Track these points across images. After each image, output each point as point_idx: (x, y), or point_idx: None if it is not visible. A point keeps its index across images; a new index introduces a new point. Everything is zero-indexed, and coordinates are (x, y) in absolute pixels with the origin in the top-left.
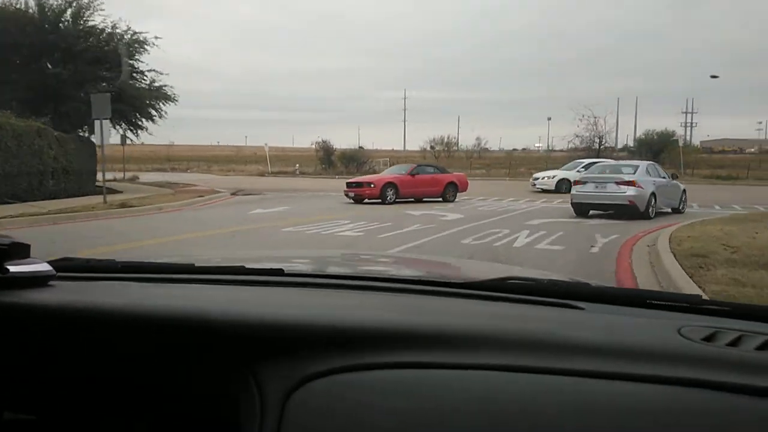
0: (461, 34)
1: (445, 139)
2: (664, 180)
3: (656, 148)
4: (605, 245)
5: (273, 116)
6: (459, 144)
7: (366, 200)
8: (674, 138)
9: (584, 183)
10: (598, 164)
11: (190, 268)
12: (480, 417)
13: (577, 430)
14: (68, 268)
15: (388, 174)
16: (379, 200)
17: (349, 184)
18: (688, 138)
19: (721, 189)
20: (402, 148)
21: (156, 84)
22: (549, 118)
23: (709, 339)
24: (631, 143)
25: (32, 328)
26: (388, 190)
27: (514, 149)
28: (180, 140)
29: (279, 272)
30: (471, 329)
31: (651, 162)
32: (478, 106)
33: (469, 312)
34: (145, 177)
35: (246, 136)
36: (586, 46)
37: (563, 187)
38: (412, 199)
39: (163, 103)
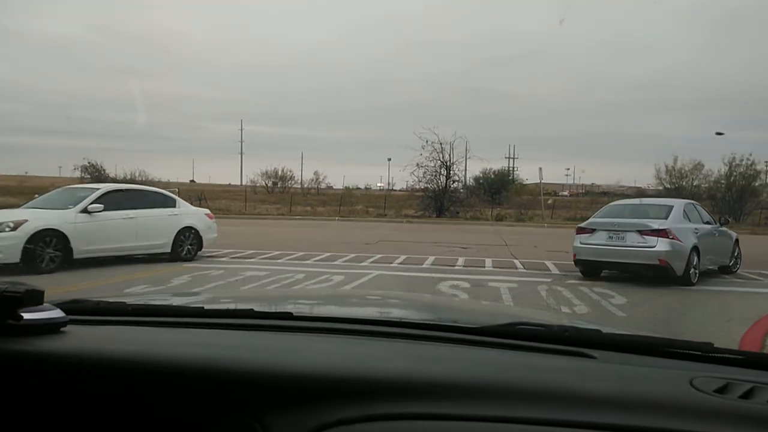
0: (301, 70)
1: (280, 173)
2: (708, 227)
3: (495, 187)
4: None
5: (89, 144)
6: (296, 179)
7: None
8: (510, 177)
9: (592, 231)
10: (614, 204)
11: (199, 312)
12: None
13: None
14: (78, 311)
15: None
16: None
17: None
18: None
19: None
20: (240, 183)
21: None
22: (389, 159)
23: (721, 391)
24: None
25: (44, 376)
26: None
27: (359, 187)
28: None
29: (288, 316)
30: (481, 380)
31: (689, 201)
32: (323, 144)
33: (479, 361)
34: None
35: (60, 166)
36: (419, 96)
37: (38, 248)
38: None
39: None
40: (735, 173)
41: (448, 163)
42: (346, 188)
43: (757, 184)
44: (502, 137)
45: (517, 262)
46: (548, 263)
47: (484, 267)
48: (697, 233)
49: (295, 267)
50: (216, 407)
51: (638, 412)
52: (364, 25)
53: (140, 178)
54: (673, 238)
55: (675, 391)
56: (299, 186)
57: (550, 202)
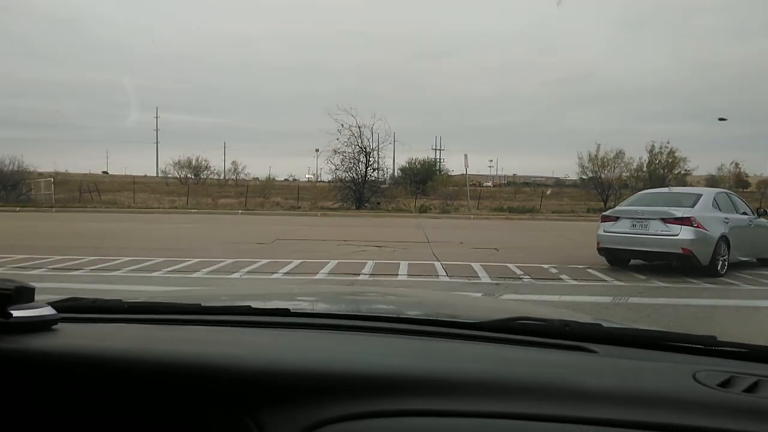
0: (228, 58)
1: (194, 162)
2: (744, 217)
3: (420, 177)
4: None
5: None
6: (213, 169)
7: None
8: (436, 168)
9: (616, 219)
10: (643, 193)
11: (196, 309)
12: None
13: None
14: (74, 308)
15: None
16: None
17: None
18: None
19: (576, 229)
20: (156, 174)
21: None
22: (317, 150)
23: (725, 384)
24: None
25: (35, 373)
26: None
27: (287, 179)
28: None
29: (285, 312)
30: (480, 375)
31: (722, 190)
32: (251, 134)
33: (479, 356)
34: None
35: None
36: (349, 86)
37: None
38: None
39: None
40: (656, 161)
41: (367, 149)
42: (267, 179)
43: (676, 172)
44: (430, 129)
45: (439, 265)
46: (476, 266)
47: (397, 275)
48: (727, 223)
49: (123, 286)
50: (210, 405)
51: (640, 406)
52: (293, 13)
53: (11, 167)
54: (698, 227)
55: (678, 385)
56: (217, 177)
57: (476, 187)
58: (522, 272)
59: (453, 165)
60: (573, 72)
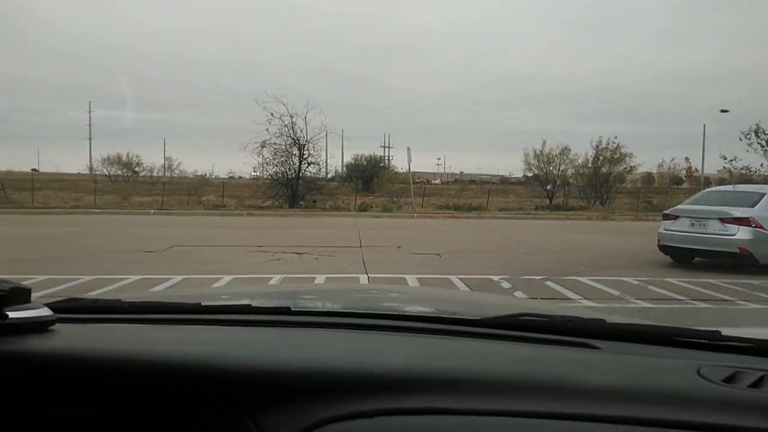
0: (168, 54)
1: (124, 158)
2: None
3: (367, 174)
4: None
5: None
6: (146, 165)
7: None
8: (382, 164)
9: (676, 218)
10: (707, 191)
11: (196, 308)
12: None
13: None
14: (72, 309)
15: None
16: None
17: None
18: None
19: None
20: (89, 172)
21: None
22: (262, 145)
23: (729, 380)
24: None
25: (31, 375)
26: None
27: (232, 176)
28: None
29: (286, 311)
30: (482, 373)
31: None
32: (193, 131)
33: (481, 353)
34: None
35: None
36: (294, 85)
37: None
38: None
39: None
40: (601, 157)
41: (301, 141)
42: (203, 176)
43: (622, 168)
44: (380, 128)
45: (364, 280)
46: (411, 280)
47: None
48: None
49: None
50: (208, 405)
51: (645, 403)
52: (236, 10)
53: None
54: (756, 227)
55: (682, 381)
56: (150, 174)
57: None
58: (468, 288)
59: (402, 163)
60: (518, 72)
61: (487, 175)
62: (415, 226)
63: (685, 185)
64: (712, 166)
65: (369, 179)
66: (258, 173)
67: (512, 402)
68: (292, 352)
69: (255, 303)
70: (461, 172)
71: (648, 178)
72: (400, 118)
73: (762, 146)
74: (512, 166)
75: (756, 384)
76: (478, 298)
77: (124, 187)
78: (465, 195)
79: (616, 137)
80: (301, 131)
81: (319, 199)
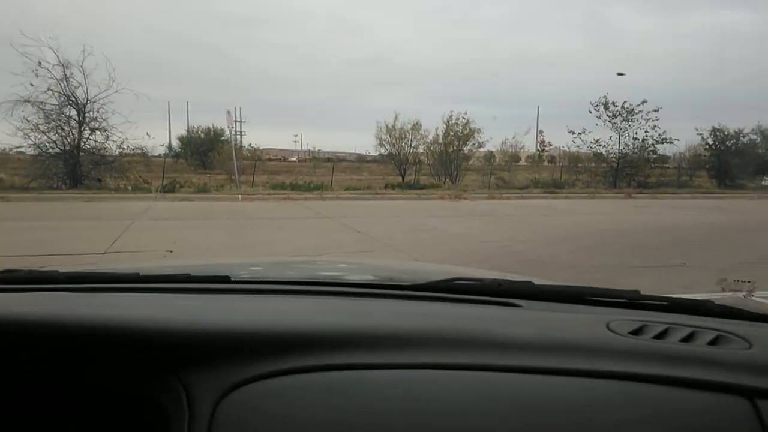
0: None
1: None
2: None
3: (204, 148)
4: None
5: None
6: None
7: None
8: (224, 138)
9: None
10: None
11: (134, 278)
12: (416, 416)
13: (510, 425)
14: (9, 280)
15: None
16: None
17: None
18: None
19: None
20: None
21: None
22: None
23: (636, 332)
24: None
25: None
26: None
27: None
28: None
29: (225, 279)
30: (408, 330)
31: None
32: None
33: (408, 313)
34: None
35: None
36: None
37: None
38: None
39: None
40: (451, 133)
41: (79, 101)
42: None
43: (471, 144)
44: (233, 104)
45: None
46: None
47: None
48: None
49: None
50: (133, 365)
51: (557, 354)
52: None
53: None
54: None
55: (591, 334)
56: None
57: (280, 162)
58: None
59: (258, 139)
60: (376, 53)
61: (345, 152)
62: (231, 214)
63: (522, 162)
64: (562, 141)
65: (206, 153)
66: (25, 144)
67: (434, 355)
68: (219, 314)
69: (195, 272)
70: (318, 150)
71: (489, 155)
72: (258, 93)
73: (610, 118)
74: (369, 145)
75: (660, 336)
76: (420, 266)
77: None
78: (317, 173)
79: (466, 113)
80: (80, 83)
81: (106, 178)
